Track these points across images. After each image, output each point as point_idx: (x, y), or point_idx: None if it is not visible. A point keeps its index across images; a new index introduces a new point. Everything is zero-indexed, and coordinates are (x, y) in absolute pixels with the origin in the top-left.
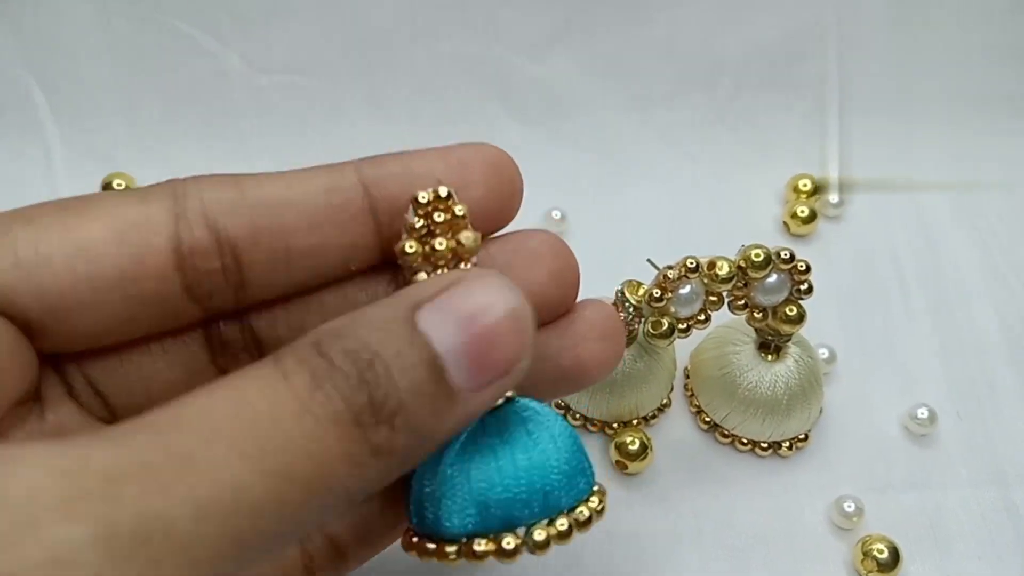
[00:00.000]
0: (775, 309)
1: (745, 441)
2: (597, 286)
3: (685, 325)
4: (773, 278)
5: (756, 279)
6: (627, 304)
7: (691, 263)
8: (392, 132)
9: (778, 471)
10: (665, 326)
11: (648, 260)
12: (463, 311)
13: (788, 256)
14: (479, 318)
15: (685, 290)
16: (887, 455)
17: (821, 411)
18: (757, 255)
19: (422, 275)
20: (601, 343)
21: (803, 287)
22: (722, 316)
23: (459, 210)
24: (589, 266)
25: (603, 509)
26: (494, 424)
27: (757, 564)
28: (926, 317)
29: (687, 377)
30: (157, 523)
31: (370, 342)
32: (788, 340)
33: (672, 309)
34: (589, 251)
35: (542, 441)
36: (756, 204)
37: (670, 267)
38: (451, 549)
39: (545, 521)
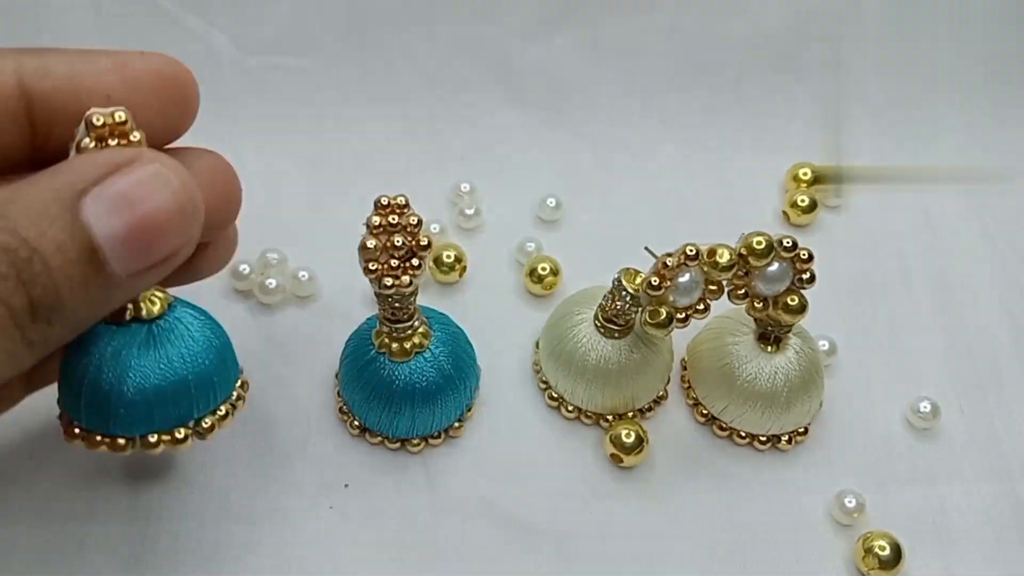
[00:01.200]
0: (776, 299)
1: (743, 434)
2: (593, 274)
3: (684, 315)
4: (775, 267)
5: (757, 267)
6: (624, 293)
7: (691, 250)
8: (386, 115)
9: (777, 465)
10: (663, 315)
11: (646, 248)
12: (127, 199)
13: (790, 244)
14: (143, 206)
15: (684, 278)
16: (889, 449)
17: (821, 404)
18: (759, 242)
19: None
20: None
21: (805, 276)
22: (720, 307)
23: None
24: (586, 254)
25: (247, 385)
26: (152, 333)
27: (755, 561)
28: (928, 309)
29: (684, 369)
30: None
31: (29, 236)
32: (789, 331)
33: (670, 298)
34: (586, 239)
35: (194, 349)
36: (756, 193)
37: (669, 255)
38: (123, 442)
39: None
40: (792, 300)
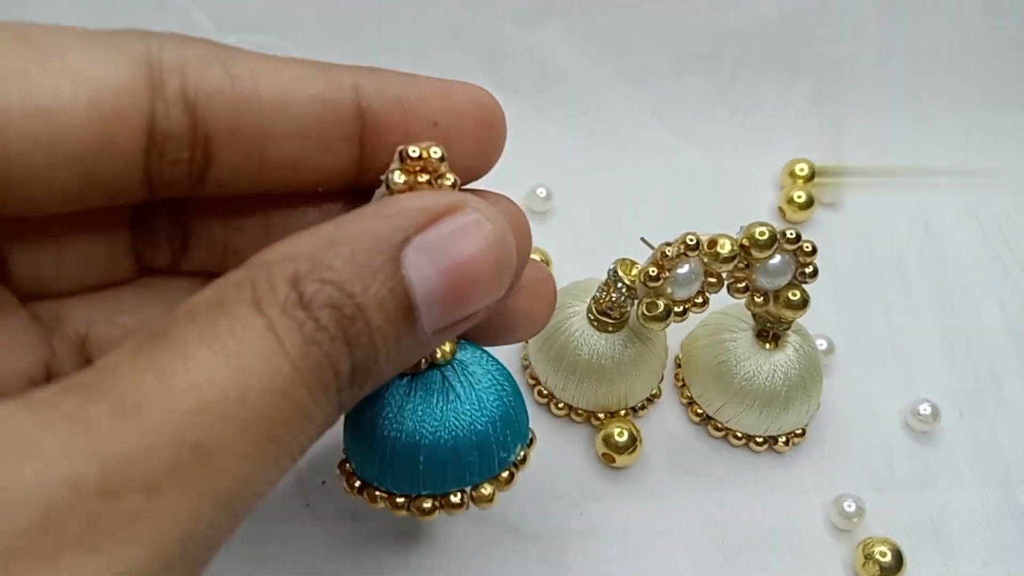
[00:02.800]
0: (777, 293)
1: (739, 435)
2: (582, 267)
3: (681, 308)
4: (777, 259)
5: (759, 259)
6: (619, 284)
7: (691, 240)
8: None
9: (774, 468)
10: (660, 308)
11: (642, 239)
12: (448, 252)
13: (794, 236)
14: (462, 260)
15: (683, 270)
16: (888, 452)
17: (819, 405)
18: (762, 233)
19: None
20: (534, 300)
21: (808, 270)
22: (716, 303)
23: (448, 179)
24: (577, 245)
25: (533, 439)
26: (448, 383)
27: (751, 566)
28: (927, 309)
29: (678, 366)
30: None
31: (355, 291)
32: (788, 328)
33: (668, 290)
34: (576, 231)
35: (478, 393)
36: (751, 187)
37: (668, 244)
38: (429, 505)
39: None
40: (794, 295)
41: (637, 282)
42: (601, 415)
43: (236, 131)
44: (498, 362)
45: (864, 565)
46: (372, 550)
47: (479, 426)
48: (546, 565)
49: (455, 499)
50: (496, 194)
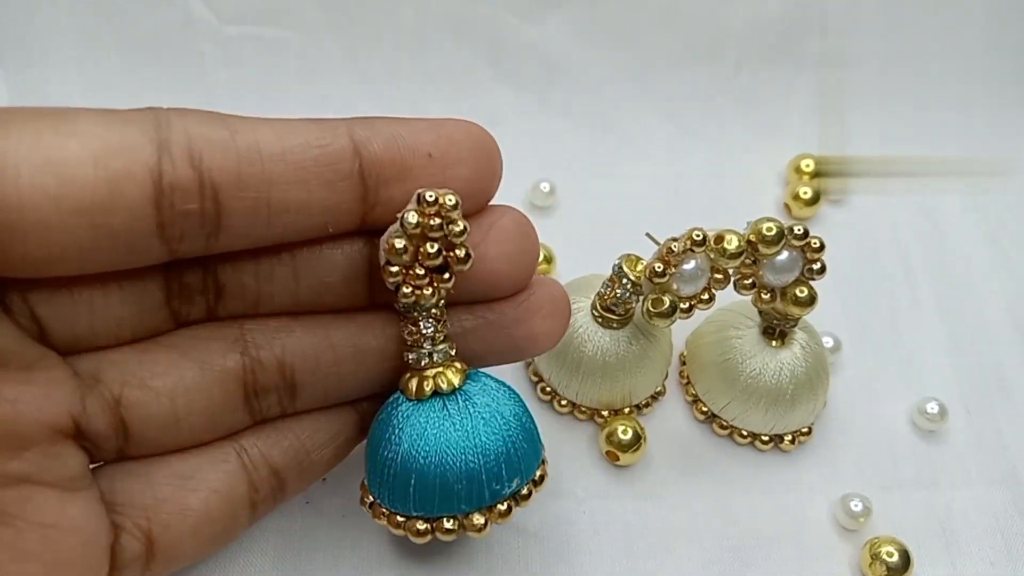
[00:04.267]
0: (784, 290)
1: (745, 433)
2: (586, 262)
3: (687, 304)
4: (784, 255)
5: (767, 255)
6: (625, 280)
7: (697, 235)
8: (370, 92)
9: (780, 466)
10: (666, 304)
11: (647, 234)
12: None
13: (802, 232)
14: None
15: (689, 266)
16: (894, 451)
17: (825, 403)
18: (769, 229)
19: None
20: (551, 319)
21: (815, 267)
22: (722, 299)
23: (459, 226)
24: (580, 241)
25: (543, 479)
26: (447, 410)
27: (757, 566)
28: (933, 307)
29: (683, 363)
30: None
31: None
32: (795, 325)
33: (674, 286)
34: (578, 226)
35: (496, 431)
36: (756, 183)
37: (674, 239)
38: (423, 527)
39: (485, 508)
40: (801, 292)
41: (642, 278)
42: (605, 412)
43: (241, 178)
44: (512, 395)
45: (871, 565)
46: (372, 548)
47: (469, 457)
48: (549, 563)
49: (447, 524)
50: (500, 207)
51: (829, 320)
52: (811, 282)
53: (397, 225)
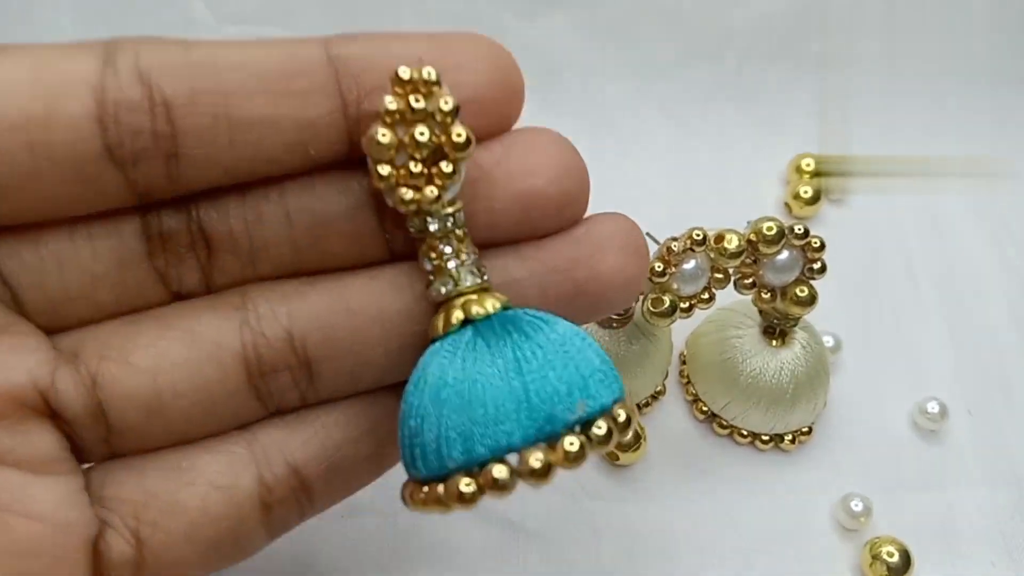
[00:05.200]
0: (784, 289)
1: (745, 433)
2: None
3: (687, 304)
4: (785, 255)
5: (767, 255)
6: None
7: (698, 235)
8: None
9: (780, 466)
10: (666, 304)
11: (647, 234)
12: None
13: (802, 232)
14: None
15: (689, 265)
16: (895, 452)
17: (825, 403)
18: (769, 228)
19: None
20: (622, 255)
21: (816, 266)
22: (723, 299)
23: (446, 102)
24: None
25: (628, 422)
26: (482, 335)
27: (757, 566)
28: (935, 306)
29: (683, 363)
30: None
31: None
32: (795, 324)
33: (674, 285)
34: None
35: (544, 344)
36: (757, 183)
37: (674, 239)
38: (468, 487)
39: (543, 442)
40: (801, 291)
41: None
42: None
43: (194, 93)
44: (565, 322)
45: (871, 565)
46: (371, 547)
47: (511, 374)
48: (548, 563)
49: (497, 472)
50: (526, 128)
51: (830, 319)
52: (811, 281)
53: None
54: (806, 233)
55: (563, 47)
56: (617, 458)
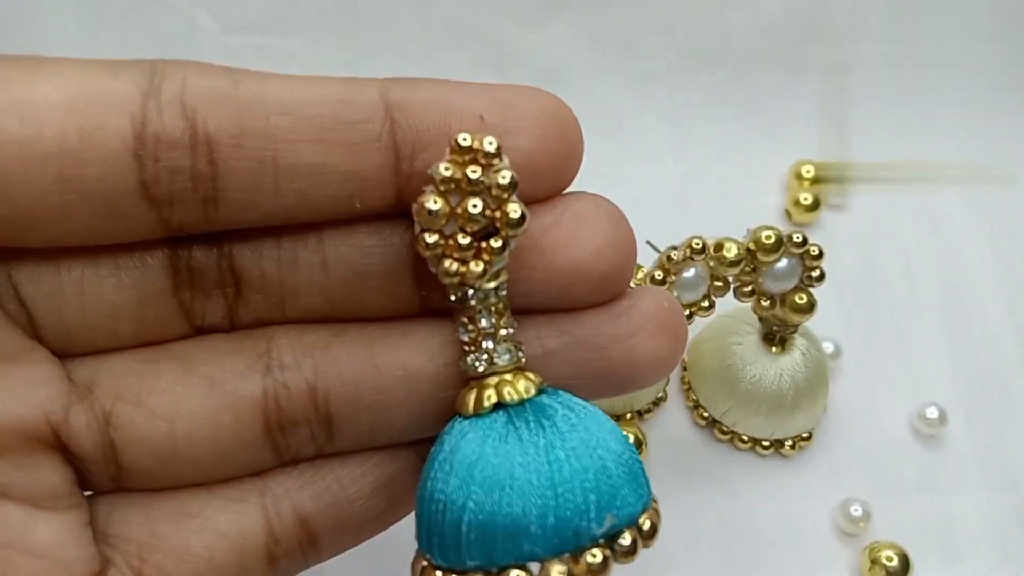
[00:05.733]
0: (784, 297)
1: (745, 439)
2: None
3: (688, 312)
4: (783, 263)
5: (766, 263)
6: None
7: (697, 244)
8: None
9: (780, 471)
10: None
11: (648, 242)
12: None
13: (801, 240)
14: None
15: (689, 273)
16: (895, 457)
17: (825, 409)
18: (768, 237)
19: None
20: (660, 337)
21: (815, 274)
22: (723, 306)
23: (505, 176)
24: None
25: (655, 532)
26: (514, 423)
27: (757, 571)
28: (934, 312)
29: (684, 369)
30: None
31: None
32: (795, 331)
33: (674, 294)
34: None
35: (575, 444)
36: (757, 190)
37: (674, 248)
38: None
39: (567, 554)
40: (800, 298)
41: (642, 285)
42: None
43: (241, 133)
44: (604, 416)
45: (870, 570)
46: (371, 548)
47: (542, 480)
48: None
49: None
50: (577, 192)
51: (829, 326)
52: (810, 289)
53: (430, 187)
54: (805, 241)
55: (564, 54)
56: None
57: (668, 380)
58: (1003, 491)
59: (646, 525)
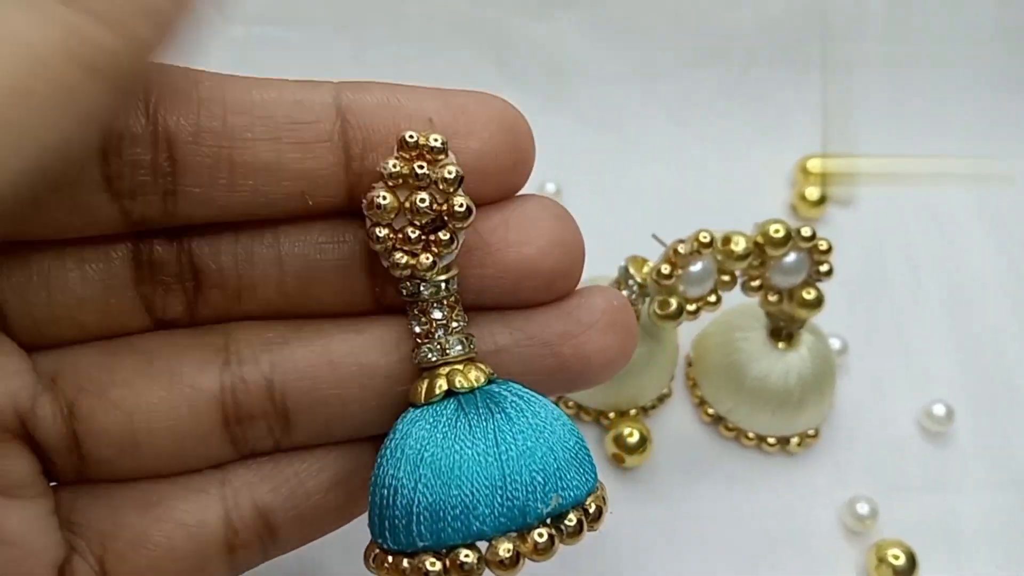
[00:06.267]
0: (791, 292)
1: (751, 436)
2: (594, 263)
3: (694, 306)
4: (792, 257)
5: (774, 257)
6: (631, 282)
7: (705, 237)
8: None
9: (786, 469)
10: (673, 306)
11: (654, 236)
12: None
13: (809, 234)
14: None
15: (696, 267)
16: (901, 454)
17: (831, 406)
18: (776, 231)
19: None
20: (610, 334)
21: (823, 269)
22: (729, 301)
23: (451, 171)
24: (587, 242)
25: (599, 514)
26: (464, 410)
27: (762, 568)
28: (941, 308)
29: (689, 365)
30: None
31: None
32: (801, 327)
33: (681, 288)
34: (585, 228)
35: (523, 429)
36: (763, 185)
37: (681, 241)
38: (434, 567)
39: (514, 533)
40: (808, 294)
41: (649, 280)
42: (611, 414)
43: (199, 131)
44: (554, 406)
45: (877, 568)
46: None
47: (489, 460)
48: (555, 566)
49: (464, 556)
50: (525, 195)
51: (836, 322)
52: (818, 284)
53: (380, 183)
54: (813, 235)
55: (569, 49)
56: (624, 460)
57: (673, 376)
58: (1010, 488)
59: (592, 507)
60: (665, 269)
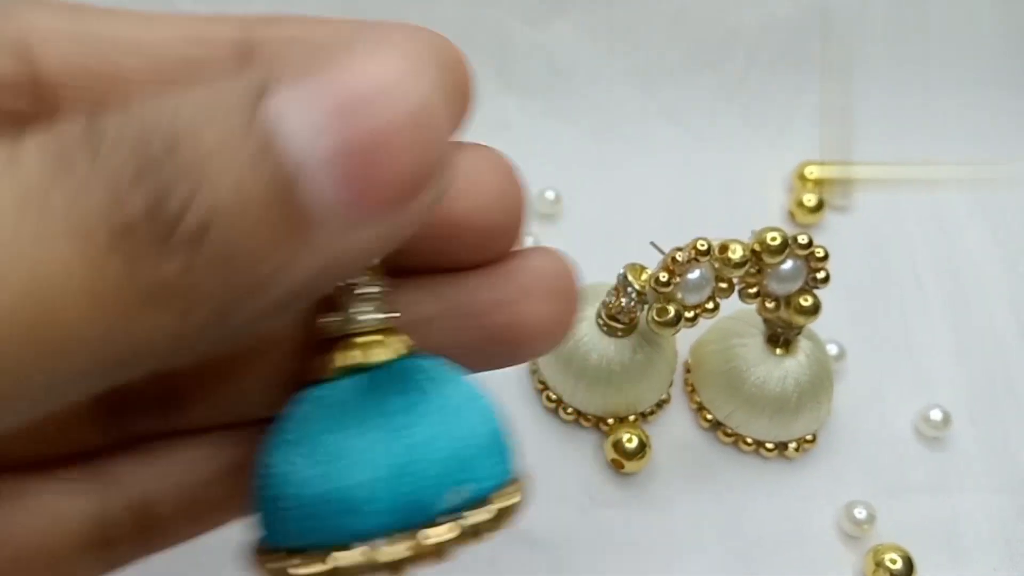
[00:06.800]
0: (788, 299)
1: (749, 441)
2: (593, 270)
3: (692, 313)
4: (789, 264)
5: (771, 265)
6: (630, 289)
7: (702, 245)
8: None
9: (784, 474)
10: (671, 313)
11: (652, 243)
12: (339, 97)
13: (806, 241)
14: (363, 111)
15: (694, 275)
16: (899, 458)
17: (829, 411)
18: (773, 239)
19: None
20: (550, 302)
21: (820, 276)
22: (727, 308)
23: None
24: (586, 249)
25: (511, 511)
26: (366, 388)
27: (761, 573)
28: (939, 313)
29: (687, 371)
30: None
31: (175, 129)
32: (799, 333)
33: (679, 295)
34: (585, 233)
35: (431, 412)
36: (762, 190)
37: (679, 249)
38: (302, 569)
39: (410, 530)
40: (805, 300)
41: (647, 287)
42: (610, 420)
43: (84, 76)
44: (477, 388)
45: (875, 572)
46: None
47: (389, 444)
48: (554, 571)
49: (345, 557)
50: (468, 144)
51: (834, 327)
52: (815, 291)
53: None
54: (810, 243)
55: (569, 52)
56: (623, 466)
57: (672, 382)
58: (1008, 493)
59: (503, 503)
60: (663, 277)
